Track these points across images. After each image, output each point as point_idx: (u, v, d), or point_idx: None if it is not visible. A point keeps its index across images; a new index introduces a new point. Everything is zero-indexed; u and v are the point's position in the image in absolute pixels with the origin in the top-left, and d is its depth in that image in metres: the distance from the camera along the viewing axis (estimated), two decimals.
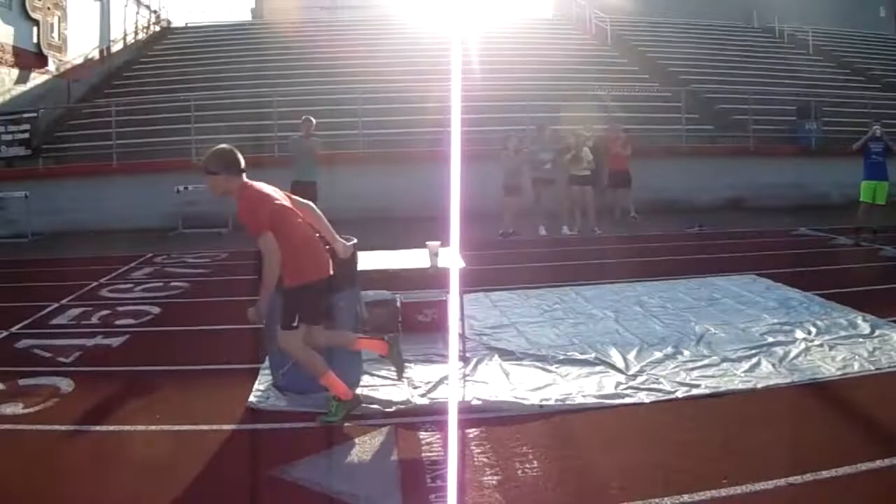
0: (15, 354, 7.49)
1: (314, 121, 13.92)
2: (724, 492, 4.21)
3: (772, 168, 19.55)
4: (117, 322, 8.71)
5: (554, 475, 4.48)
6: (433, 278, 7.23)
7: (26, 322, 8.72)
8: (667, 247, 13.45)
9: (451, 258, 6.57)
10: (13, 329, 8.40)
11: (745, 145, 20.41)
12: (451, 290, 6.60)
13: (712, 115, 21.97)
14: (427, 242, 6.74)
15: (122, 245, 14.68)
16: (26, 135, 18.62)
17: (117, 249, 14.12)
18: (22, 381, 6.48)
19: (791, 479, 4.31)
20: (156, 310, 9.28)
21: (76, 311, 9.27)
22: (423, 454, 4.77)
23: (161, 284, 10.89)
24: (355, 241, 6.05)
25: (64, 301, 9.76)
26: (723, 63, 26.82)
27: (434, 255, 6.69)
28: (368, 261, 6.68)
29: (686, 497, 4.14)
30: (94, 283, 10.93)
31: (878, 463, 4.55)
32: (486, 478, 4.41)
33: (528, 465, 4.58)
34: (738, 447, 4.89)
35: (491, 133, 16.72)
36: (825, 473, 4.40)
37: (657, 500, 4.09)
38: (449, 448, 4.70)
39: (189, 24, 33.00)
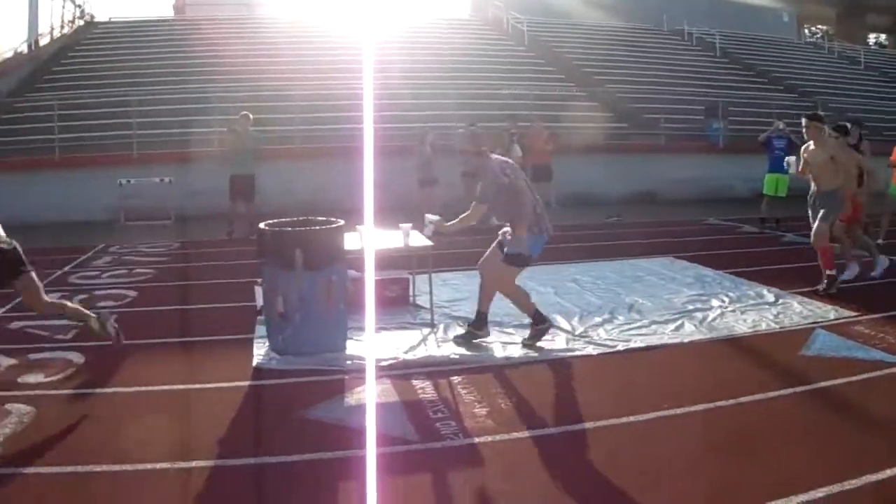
0: (12, 334, 8.03)
1: (251, 116, 14.60)
2: (665, 413, 5.35)
3: (681, 163, 20.85)
4: (100, 304, 9.33)
5: (531, 404, 5.61)
6: (388, 257, 8.30)
7: (8, 307, 9.29)
8: (589, 234, 14.55)
9: (418, 237, 7.66)
10: None
11: (657, 142, 21.72)
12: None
13: (626, 114, 23.17)
14: (400, 224, 7.74)
15: (69, 237, 15.08)
16: None
17: (67, 241, 14.56)
18: (31, 356, 7.08)
19: (718, 403, 5.52)
20: (132, 293, 9.96)
21: (54, 296, 9.89)
22: (420, 396, 5.83)
23: (126, 271, 11.51)
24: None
25: None
26: (635, 64, 27.99)
27: (406, 235, 7.69)
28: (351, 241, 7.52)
29: (633, 418, 5.27)
30: (60, 272, 11.44)
31: (779, 392, 5.84)
32: (476, 410, 5.48)
33: (508, 400, 5.68)
34: (672, 382, 6.10)
35: (413, 129, 17.47)
36: (743, 399, 5.63)
37: (615, 420, 5.21)
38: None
39: (112, 19, 33.06)
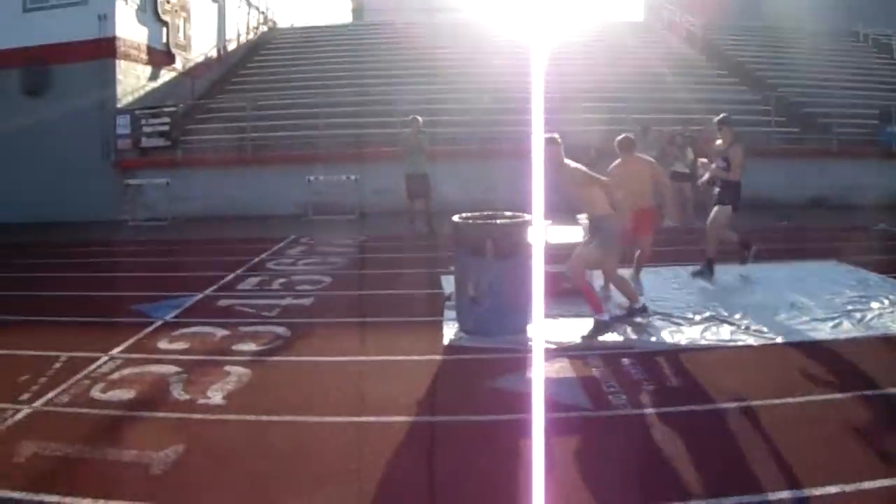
0: (222, 310, 9.19)
1: (421, 119, 15.47)
2: (818, 397, 5.90)
3: (854, 168, 20.50)
4: (298, 287, 10.48)
5: (695, 384, 6.28)
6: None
7: (215, 287, 10.50)
8: (759, 237, 14.76)
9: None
10: (207, 292, 10.18)
11: (829, 147, 21.49)
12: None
13: (798, 118, 22.96)
14: (578, 218, 8.43)
15: (260, 229, 16.58)
16: (166, 127, 20.64)
17: (259, 232, 16.00)
18: (242, 329, 8.17)
19: (863, 392, 5.98)
20: (327, 278, 11.06)
21: (255, 279, 11.07)
22: (594, 373, 6.55)
23: (319, 259, 12.68)
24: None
25: (238, 272, 11.55)
26: (807, 66, 27.49)
27: (585, 230, 8.34)
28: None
29: (790, 399, 5.82)
30: (257, 259, 12.72)
31: None
32: (644, 386, 6.18)
33: (675, 379, 6.38)
34: (825, 373, 6.58)
35: (588, 133, 17.93)
36: (890, 391, 6.05)
37: (770, 401, 5.78)
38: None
39: (294, 26, 34.91)
